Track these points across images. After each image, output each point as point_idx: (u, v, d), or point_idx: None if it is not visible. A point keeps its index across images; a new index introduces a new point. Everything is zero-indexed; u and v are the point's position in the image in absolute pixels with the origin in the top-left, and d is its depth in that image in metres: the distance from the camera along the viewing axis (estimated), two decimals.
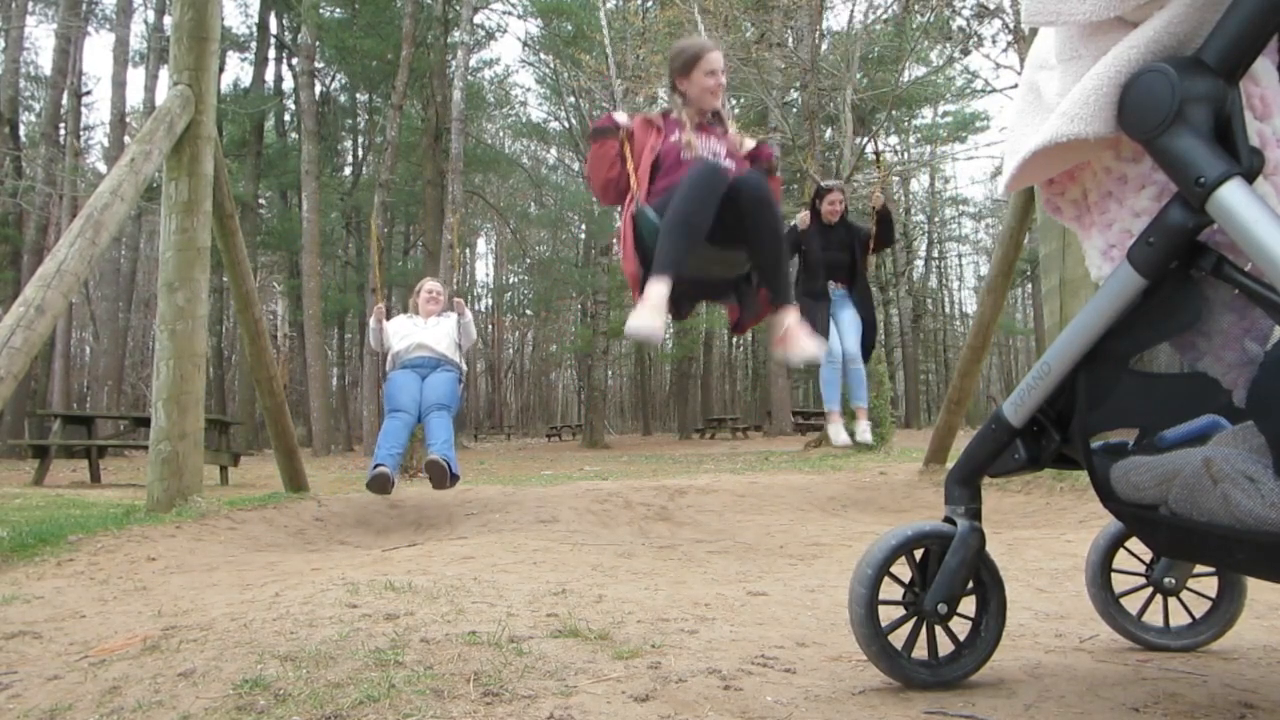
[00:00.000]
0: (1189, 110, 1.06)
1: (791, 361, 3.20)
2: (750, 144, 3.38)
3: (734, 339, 40.82)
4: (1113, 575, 1.76)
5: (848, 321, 5.69)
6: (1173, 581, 1.70)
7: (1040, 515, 4.44)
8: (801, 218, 5.64)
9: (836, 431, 5.76)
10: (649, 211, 3.05)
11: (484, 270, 46.68)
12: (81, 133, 25.82)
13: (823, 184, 6.01)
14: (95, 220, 3.67)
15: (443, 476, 4.54)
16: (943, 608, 1.42)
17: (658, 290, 2.85)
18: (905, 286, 32.39)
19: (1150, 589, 1.73)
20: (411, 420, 4.87)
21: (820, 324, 5.35)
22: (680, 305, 3.31)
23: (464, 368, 5.25)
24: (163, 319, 4.40)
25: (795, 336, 3.08)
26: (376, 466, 4.45)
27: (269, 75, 26.63)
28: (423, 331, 5.14)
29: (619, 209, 3.35)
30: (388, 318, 5.32)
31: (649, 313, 2.83)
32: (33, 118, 24.40)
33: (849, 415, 5.91)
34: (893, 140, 29.95)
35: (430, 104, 21.46)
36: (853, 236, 5.75)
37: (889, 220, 5.85)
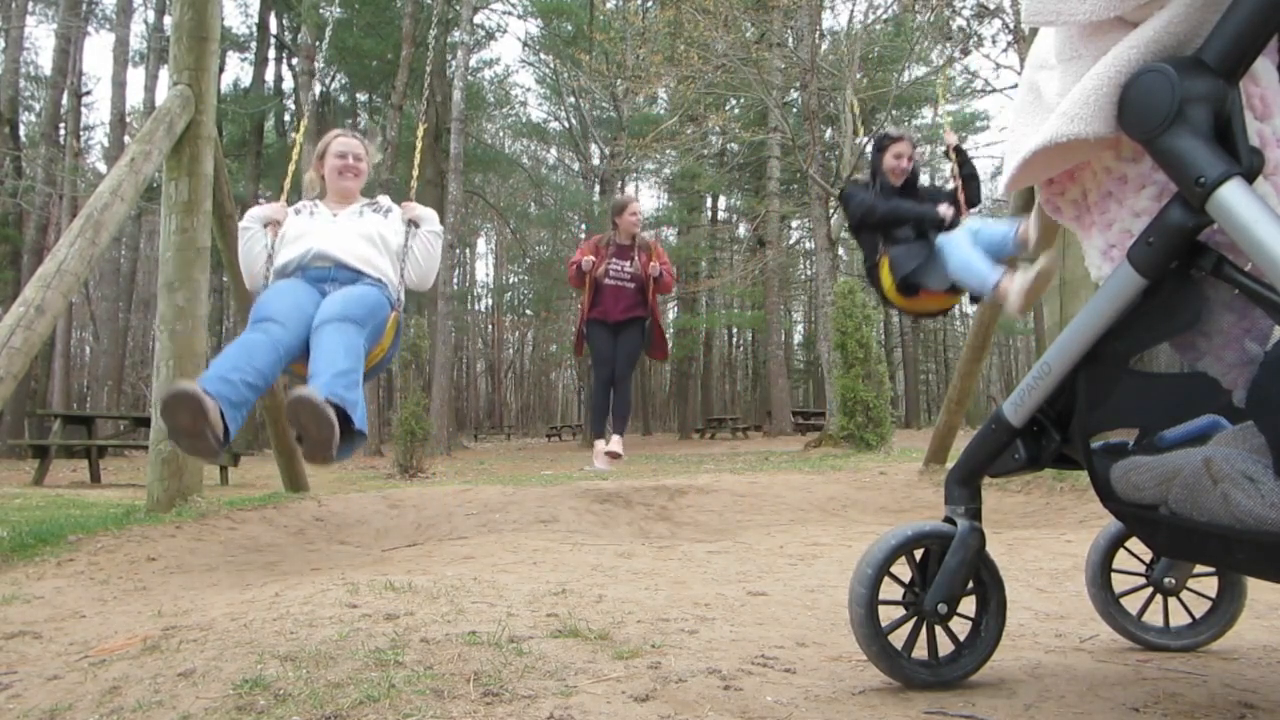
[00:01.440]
0: (1189, 110, 1.06)
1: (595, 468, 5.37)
2: (656, 268, 5.03)
3: (734, 339, 40.85)
4: (1113, 575, 1.76)
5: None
6: (1173, 581, 1.70)
7: (1040, 515, 4.44)
8: (945, 210, 4.02)
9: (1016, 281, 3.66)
10: (586, 329, 5.11)
11: (484, 270, 46.70)
12: (81, 133, 25.82)
13: (889, 131, 4.32)
14: (95, 220, 3.67)
15: (322, 424, 2.19)
16: (943, 608, 1.42)
17: (599, 444, 5.00)
18: None
19: (1150, 589, 1.73)
20: (288, 341, 2.57)
21: (927, 253, 3.98)
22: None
23: (400, 293, 3.01)
24: (163, 319, 4.40)
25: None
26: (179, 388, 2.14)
27: (269, 75, 26.64)
28: (330, 231, 2.97)
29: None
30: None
31: (599, 458, 5.01)
32: (33, 118, 24.41)
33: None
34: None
35: (430, 104, 21.47)
36: (929, 201, 4.14)
37: (972, 167, 4.27)
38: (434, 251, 3.17)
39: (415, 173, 3.65)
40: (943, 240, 3.87)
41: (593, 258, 5.06)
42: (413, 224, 3.17)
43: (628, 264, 5.10)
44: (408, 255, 3.10)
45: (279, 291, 2.78)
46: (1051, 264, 3.01)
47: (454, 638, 1.72)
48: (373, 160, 3.34)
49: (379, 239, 3.04)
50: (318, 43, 19.28)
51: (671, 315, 31.77)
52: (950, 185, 4.25)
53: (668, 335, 5.49)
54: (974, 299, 3.93)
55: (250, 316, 2.71)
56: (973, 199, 4.19)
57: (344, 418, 2.32)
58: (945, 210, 4.00)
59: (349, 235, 2.98)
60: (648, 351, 5.26)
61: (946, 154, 4.31)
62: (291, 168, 3.43)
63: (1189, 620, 1.71)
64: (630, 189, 34.61)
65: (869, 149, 4.98)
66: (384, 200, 3.26)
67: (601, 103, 25.58)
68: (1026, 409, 1.37)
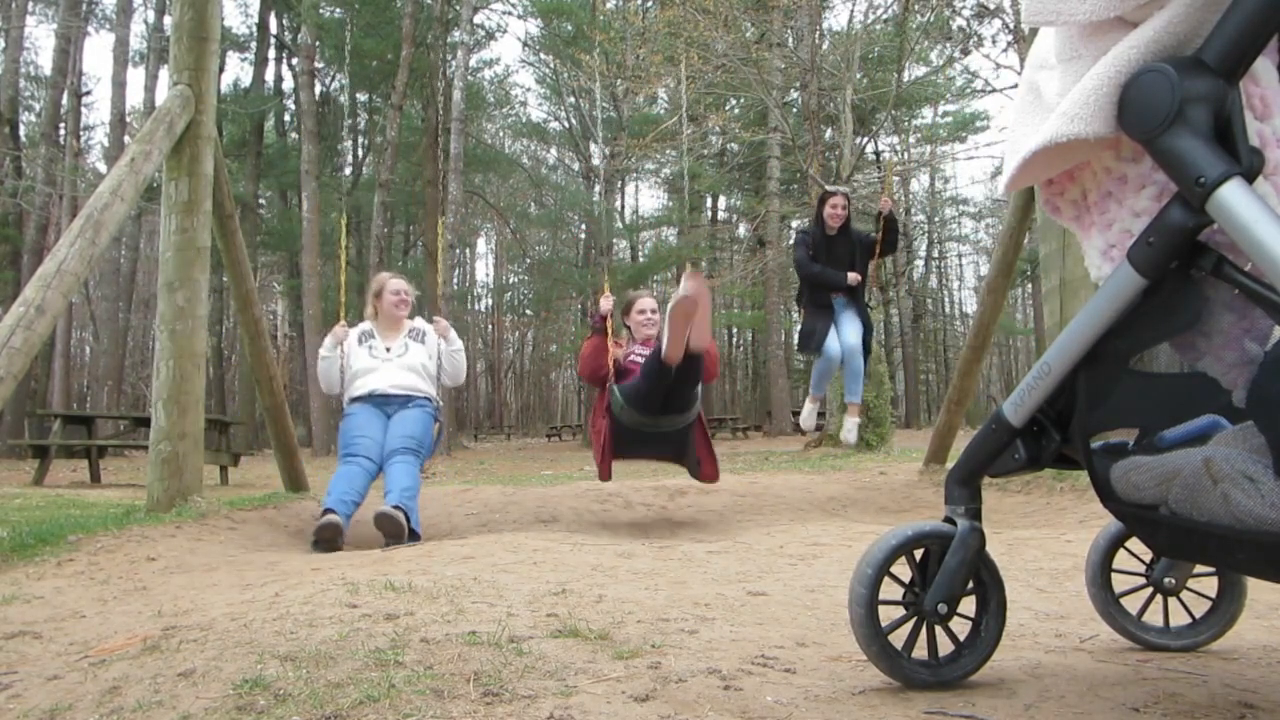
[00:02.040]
0: (1189, 110, 1.06)
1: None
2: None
3: (734, 339, 40.85)
4: (1113, 575, 1.76)
5: (848, 322, 5.79)
6: (1173, 581, 1.70)
7: (1040, 515, 4.44)
8: (852, 278, 5.75)
9: (808, 414, 6.09)
10: (616, 389, 4.25)
11: (484, 270, 46.69)
12: (81, 133, 25.84)
13: (827, 188, 5.94)
14: (95, 220, 3.67)
15: (399, 532, 3.66)
16: (943, 608, 1.42)
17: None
18: (905, 286, 32.39)
19: (1150, 589, 1.73)
20: (372, 469, 4.05)
21: (820, 334, 5.59)
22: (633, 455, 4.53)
23: (439, 401, 4.36)
24: (163, 319, 4.39)
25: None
26: (326, 512, 3.72)
27: (269, 75, 26.64)
28: (386, 370, 4.24)
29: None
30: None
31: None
32: (33, 118, 24.41)
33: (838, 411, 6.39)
34: (892, 140, 29.94)
35: (430, 104, 21.47)
36: (855, 245, 5.72)
37: (895, 227, 5.76)
38: (459, 361, 4.45)
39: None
40: (832, 336, 5.60)
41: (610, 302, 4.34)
42: (441, 338, 4.42)
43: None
44: (441, 369, 4.40)
45: (358, 425, 4.11)
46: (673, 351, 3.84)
47: (454, 638, 1.72)
48: (414, 293, 4.55)
49: (421, 369, 4.32)
50: (318, 43, 19.28)
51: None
52: (873, 236, 5.73)
53: (715, 458, 4.69)
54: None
55: (340, 443, 4.16)
56: (886, 250, 5.80)
57: (407, 519, 3.70)
58: (853, 278, 5.59)
59: (400, 371, 4.26)
60: (695, 474, 4.53)
61: (878, 218, 5.71)
62: (342, 256, 5.35)
63: (1189, 620, 1.71)
64: (630, 189, 34.64)
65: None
66: (420, 324, 4.47)
67: (601, 103, 25.58)
68: (1026, 409, 1.37)
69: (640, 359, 4.29)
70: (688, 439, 4.42)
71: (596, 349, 4.34)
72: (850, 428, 6.03)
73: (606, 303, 4.38)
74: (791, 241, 5.97)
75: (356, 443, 4.06)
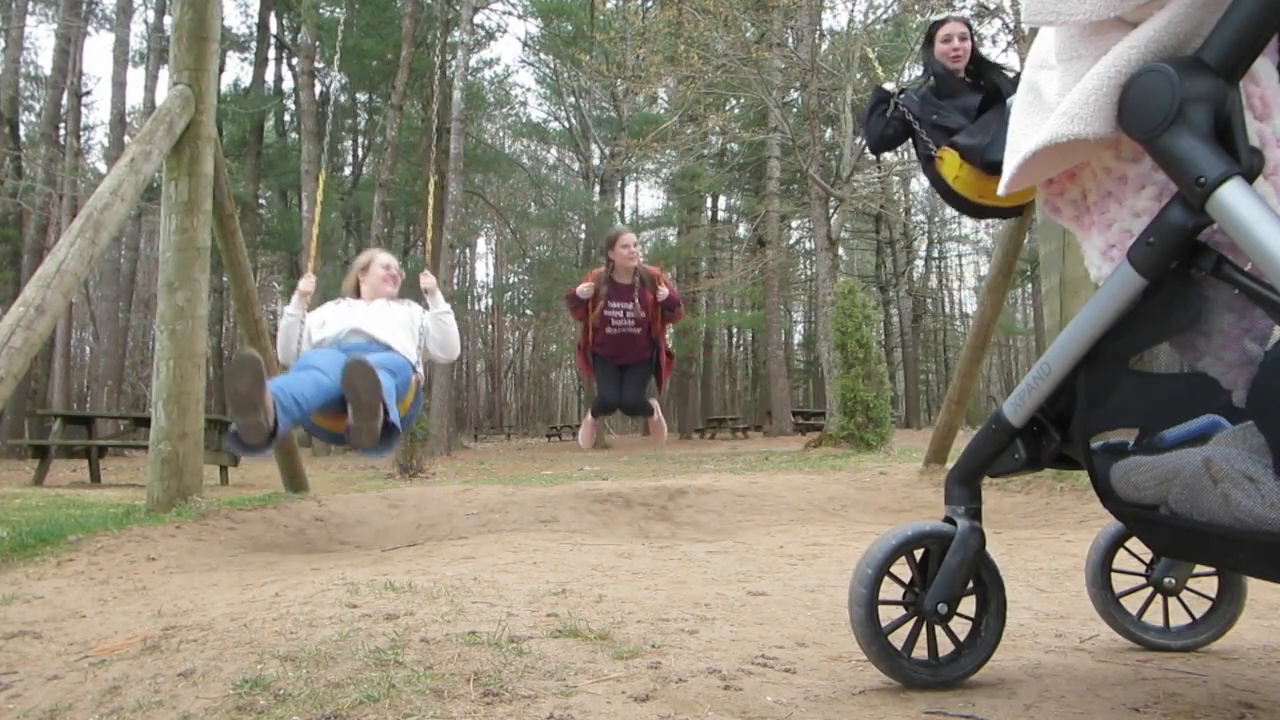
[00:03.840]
0: (1189, 110, 1.06)
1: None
2: (664, 292, 4.61)
3: (734, 339, 40.85)
4: (1113, 575, 1.76)
5: None
6: (1173, 581, 1.70)
7: (1040, 515, 4.44)
8: (890, 85, 3.80)
9: None
10: (594, 358, 4.70)
11: (484, 270, 46.69)
12: (81, 133, 25.82)
13: (935, 18, 3.79)
14: (95, 220, 3.67)
15: (374, 388, 2.73)
16: (943, 608, 1.42)
17: (589, 418, 4.91)
18: (905, 286, 32.38)
19: (1150, 589, 1.73)
20: (326, 383, 2.88)
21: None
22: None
23: (419, 367, 3.49)
24: (163, 319, 4.39)
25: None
26: (246, 353, 2.61)
27: (269, 75, 26.64)
28: (362, 313, 3.49)
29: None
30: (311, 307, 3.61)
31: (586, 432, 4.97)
32: (33, 118, 24.39)
33: None
34: None
35: (430, 104, 21.47)
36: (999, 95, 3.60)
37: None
38: (448, 327, 3.65)
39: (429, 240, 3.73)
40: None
41: (588, 286, 4.59)
42: (427, 294, 3.69)
43: (629, 306, 4.60)
44: (426, 333, 3.60)
45: (321, 352, 3.19)
46: None
47: (454, 638, 1.72)
48: (403, 275, 3.90)
49: (404, 322, 3.54)
50: (318, 43, 19.29)
51: None
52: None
53: (674, 361, 5.12)
54: None
55: (294, 368, 3.15)
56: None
57: (384, 398, 2.76)
58: (889, 86, 3.72)
59: (380, 316, 3.49)
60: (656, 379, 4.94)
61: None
62: (315, 229, 4.23)
63: (1189, 620, 1.71)
64: (630, 189, 34.61)
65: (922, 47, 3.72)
66: (407, 301, 3.74)
67: (601, 103, 25.59)
68: (1026, 409, 1.37)
69: (617, 321, 4.65)
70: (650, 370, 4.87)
71: (579, 314, 4.76)
72: None
73: (585, 289, 4.62)
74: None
75: (313, 359, 3.07)
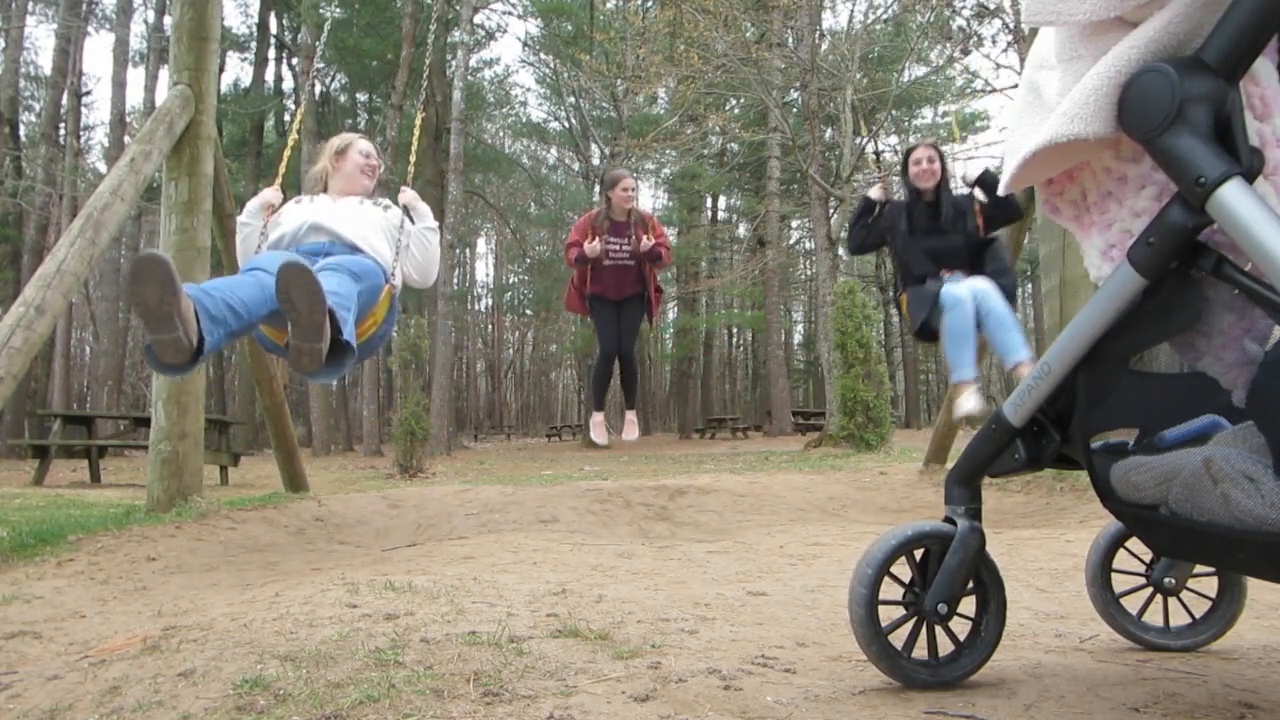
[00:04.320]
0: (1189, 110, 1.06)
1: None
2: (648, 243, 4.84)
3: (734, 339, 40.84)
4: (1113, 575, 1.76)
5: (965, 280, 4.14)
6: (1173, 581, 1.70)
7: (1040, 515, 4.44)
8: (876, 190, 4.47)
9: (971, 400, 4.00)
10: (589, 299, 5.05)
11: (484, 270, 46.69)
12: (81, 133, 25.81)
13: (910, 143, 4.40)
14: (95, 220, 3.67)
15: (315, 300, 2.08)
16: (943, 608, 1.42)
17: (597, 416, 5.36)
18: None
19: (1150, 589, 1.73)
20: (272, 284, 2.19)
21: (929, 296, 4.07)
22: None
23: (395, 277, 2.87)
24: None
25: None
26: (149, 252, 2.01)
27: (269, 75, 26.63)
28: (327, 207, 2.90)
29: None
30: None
31: (597, 430, 5.32)
32: (33, 118, 24.39)
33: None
34: (892, 140, 29.94)
35: (430, 104, 21.47)
36: (963, 210, 4.21)
37: (991, 182, 4.24)
38: (430, 246, 3.11)
39: (411, 171, 3.56)
40: (946, 298, 3.93)
41: (596, 245, 4.84)
42: (408, 212, 3.11)
43: (625, 242, 4.95)
44: (405, 251, 3.02)
45: (270, 254, 2.60)
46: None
47: (454, 638, 1.72)
48: (382, 169, 3.30)
49: (380, 224, 2.97)
50: (317, 43, 19.27)
51: (671, 315, 31.78)
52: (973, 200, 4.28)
53: (663, 295, 5.39)
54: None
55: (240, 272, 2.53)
56: (997, 214, 4.27)
57: (334, 329, 2.20)
58: (875, 193, 4.45)
59: (348, 213, 2.90)
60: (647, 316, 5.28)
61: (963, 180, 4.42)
62: (288, 152, 3.39)
63: (1189, 620, 1.71)
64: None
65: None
66: (385, 200, 3.20)
67: (601, 103, 25.58)
68: (1026, 409, 1.37)
69: (614, 260, 4.92)
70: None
71: (578, 262, 4.97)
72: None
73: (593, 248, 4.83)
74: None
75: (260, 260, 2.51)
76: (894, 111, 21.52)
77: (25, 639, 2.02)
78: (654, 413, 38.26)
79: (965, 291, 3.94)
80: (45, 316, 3.34)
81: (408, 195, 3.17)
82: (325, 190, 3.12)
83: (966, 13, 16.00)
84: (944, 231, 4.20)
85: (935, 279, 4.08)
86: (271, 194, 3.08)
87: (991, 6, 15.21)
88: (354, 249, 2.78)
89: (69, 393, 22.84)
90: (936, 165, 4.24)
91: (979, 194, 4.26)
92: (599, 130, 25.50)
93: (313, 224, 2.80)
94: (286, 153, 3.40)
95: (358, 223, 2.87)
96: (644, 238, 4.87)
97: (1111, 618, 1.74)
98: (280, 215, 2.96)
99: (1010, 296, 4.07)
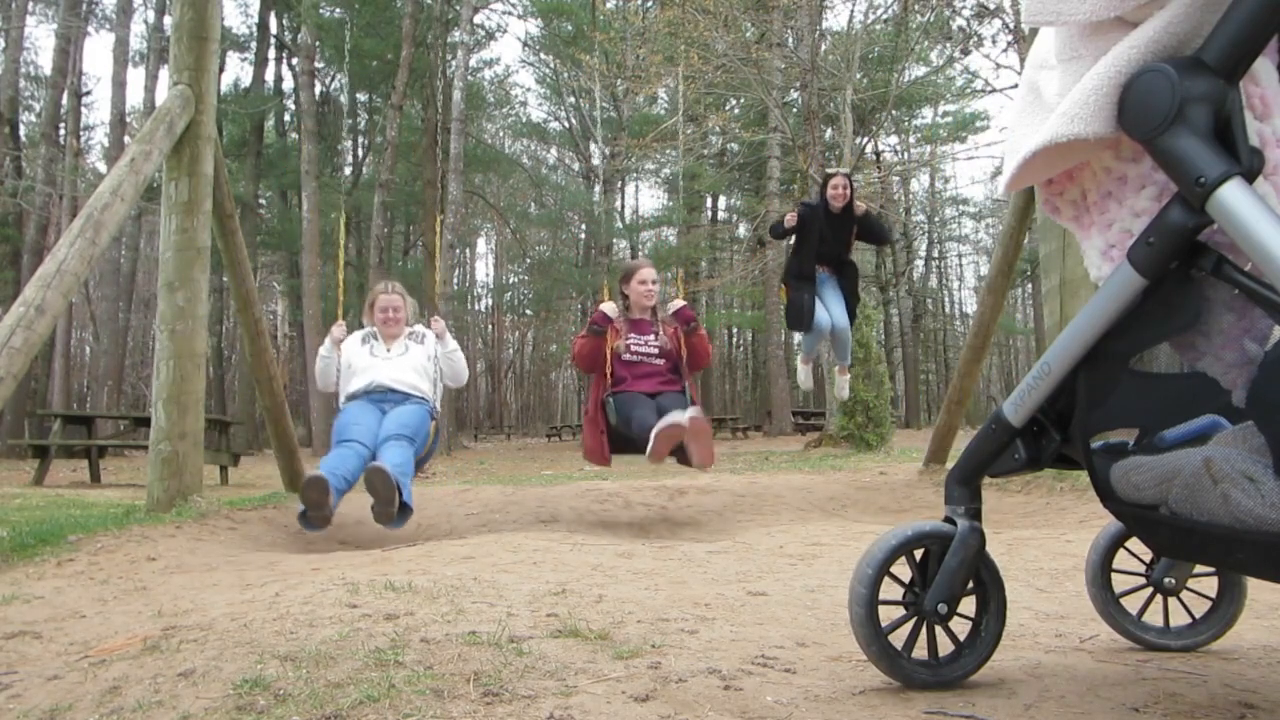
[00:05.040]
0: (1189, 110, 1.06)
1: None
2: (672, 307, 4.44)
3: (734, 339, 40.85)
4: (1113, 575, 1.76)
5: (831, 297, 6.16)
6: (1173, 581, 1.70)
7: (1040, 515, 4.44)
8: (789, 218, 6.02)
9: (805, 375, 6.58)
10: (611, 400, 4.26)
11: (484, 270, 46.68)
12: (81, 133, 25.82)
13: (827, 170, 6.54)
14: (95, 220, 3.67)
15: (390, 494, 3.55)
16: (943, 608, 1.42)
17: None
18: (905, 286, 32.38)
19: (1150, 589, 1.73)
20: (365, 453, 3.92)
21: (807, 307, 5.88)
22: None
23: (437, 405, 4.32)
24: (163, 319, 4.39)
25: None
26: (314, 475, 3.66)
27: (269, 75, 26.63)
28: (384, 365, 4.24)
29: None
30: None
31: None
32: (33, 118, 24.38)
33: (824, 372, 6.81)
34: (892, 140, 29.94)
35: (430, 104, 21.48)
36: (851, 225, 6.01)
37: (871, 223, 6.24)
38: (457, 363, 4.42)
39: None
40: (820, 319, 5.98)
41: (613, 305, 4.26)
42: (438, 338, 4.42)
43: (651, 337, 4.29)
44: (441, 370, 4.38)
45: (353, 416, 4.07)
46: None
47: (454, 638, 1.72)
48: (410, 309, 4.54)
49: (420, 368, 4.30)
50: (317, 43, 19.27)
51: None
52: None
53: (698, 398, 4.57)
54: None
55: (334, 434, 4.07)
56: (878, 239, 6.60)
57: (400, 491, 3.61)
58: (789, 220, 5.99)
59: (399, 367, 4.25)
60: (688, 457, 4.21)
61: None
62: (340, 278, 5.95)
63: (1189, 620, 1.71)
64: (630, 189, 34.60)
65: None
66: (419, 329, 4.48)
67: (601, 103, 25.59)
68: (1026, 409, 1.37)
69: (638, 349, 4.26)
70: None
71: (595, 349, 4.35)
72: (842, 385, 7.01)
73: (611, 308, 4.36)
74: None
75: (350, 429, 4.00)
76: (894, 111, 21.52)
77: (25, 639, 2.02)
78: None
79: (826, 317, 5.95)
80: (45, 316, 3.34)
81: (438, 326, 4.48)
82: (375, 332, 4.44)
83: (966, 13, 16.00)
84: (834, 241, 5.98)
85: (811, 280, 5.95)
86: (339, 332, 4.44)
87: (991, 6, 15.22)
88: (407, 395, 4.21)
89: (69, 393, 22.84)
90: (849, 191, 5.94)
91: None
92: (599, 130, 25.54)
93: (376, 384, 4.22)
94: (340, 260, 5.27)
95: (405, 373, 4.25)
96: (679, 331, 4.26)
97: (1111, 618, 1.74)
98: (351, 358, 4.32)
99: (852, 314, 6.22)
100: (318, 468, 3.82)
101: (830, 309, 6.06)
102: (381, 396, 4.20)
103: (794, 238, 6.06)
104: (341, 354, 4.40)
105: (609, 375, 4.26)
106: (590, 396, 4.39)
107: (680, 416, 3.79)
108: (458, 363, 4.42)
